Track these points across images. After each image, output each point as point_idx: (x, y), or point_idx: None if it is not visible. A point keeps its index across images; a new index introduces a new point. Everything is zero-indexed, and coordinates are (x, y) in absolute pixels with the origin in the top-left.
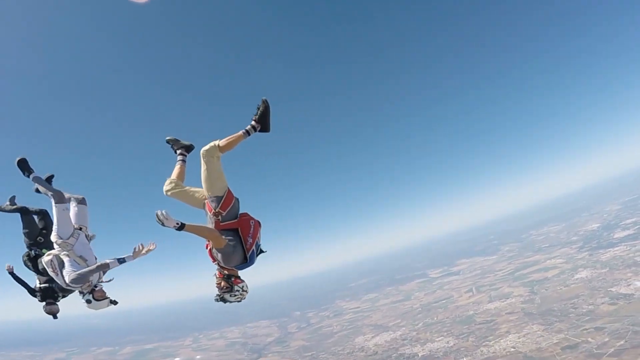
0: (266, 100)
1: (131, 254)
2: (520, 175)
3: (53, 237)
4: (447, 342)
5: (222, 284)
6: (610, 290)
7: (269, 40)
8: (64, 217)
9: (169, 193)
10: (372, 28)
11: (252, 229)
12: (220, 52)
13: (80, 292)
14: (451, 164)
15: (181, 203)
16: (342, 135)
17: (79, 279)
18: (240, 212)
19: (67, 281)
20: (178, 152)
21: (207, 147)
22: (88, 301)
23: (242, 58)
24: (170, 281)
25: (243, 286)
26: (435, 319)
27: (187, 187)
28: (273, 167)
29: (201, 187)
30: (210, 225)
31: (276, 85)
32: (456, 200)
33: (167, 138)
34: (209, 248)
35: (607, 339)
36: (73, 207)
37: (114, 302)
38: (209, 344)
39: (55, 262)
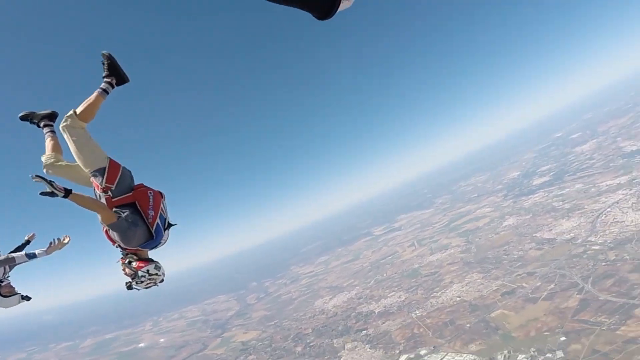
0: (106, 54)
1: (44, 249)
2: (446, 129)
3: None
4: (399, 297)
5: (126, 270)
6: (536, 236)
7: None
8: None
9: (49, 170)
10: None
11: (151, 200)
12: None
13: None
14: (381, 123)
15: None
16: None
17: None
18: (135, 183)
19: None
20: (42, 125)
21: (64, 123)
22: None
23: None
24: (116, 269)
25: (148, 269)
26: (385, 275)
27: (70, 162)
28: (215, 141)
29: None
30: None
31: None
32: (389, 158)
33: (21, 114)
34: (105, 229)
35: (539, 283)
36: None
37: (27, 298)
38: (170, 325)
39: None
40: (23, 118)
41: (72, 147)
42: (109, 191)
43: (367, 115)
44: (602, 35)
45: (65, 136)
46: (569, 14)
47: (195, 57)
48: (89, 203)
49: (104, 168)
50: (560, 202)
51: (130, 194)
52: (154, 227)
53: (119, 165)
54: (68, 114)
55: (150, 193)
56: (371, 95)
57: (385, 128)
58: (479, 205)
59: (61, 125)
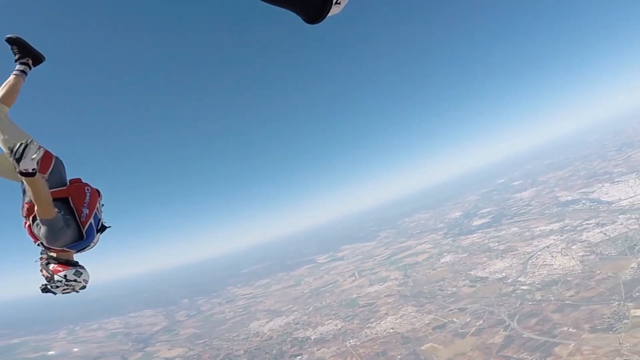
0: (12, 37)
1: None
2: (397, 166)
3: None
4: (336, 325)
5: (43, 273)
6: (470, 274)
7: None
8: None
9: None
10: None
11: (87, 197)
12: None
13: None
14: (332, 157)
15: None
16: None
17: None
18: (70, 177)
19: None
20: (19, 61)
21: None
22: None
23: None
24: (30, 273)
25: (66, 274)
26: (324, 302)
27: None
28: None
29: None
30: (26, 197)
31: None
32: (340, 189)
33: (9, 36)
34: (28, 224)
35: (469, 319)
36: None
37: None
38: (87, 335)
39: None
40: (10, 40)
41: None
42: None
43: (320, 144)
44: (548, 95)
45: None
46: (515, 72)
47: (194, 58)
48: (40, 191)
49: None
50: (496, 243)
51: (65, 188)
52: (86, 227)
53: (52, 154)
54: None
55: (87, 189)
56: (324, 124)
57: (338, 159)
58: (419, 241)
59: None
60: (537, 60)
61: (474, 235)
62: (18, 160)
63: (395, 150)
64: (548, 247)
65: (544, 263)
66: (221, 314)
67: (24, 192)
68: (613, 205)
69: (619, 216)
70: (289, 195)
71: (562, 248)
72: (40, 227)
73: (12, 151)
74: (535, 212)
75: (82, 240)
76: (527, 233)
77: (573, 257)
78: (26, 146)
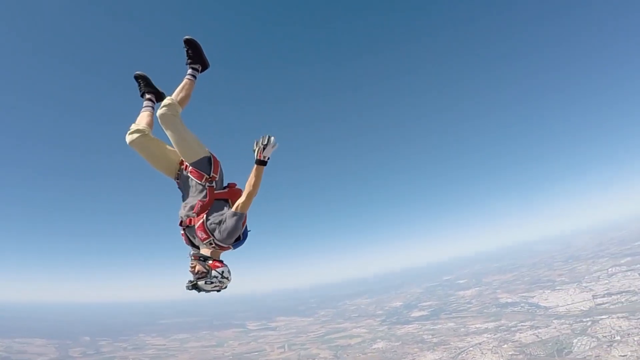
0: (189, 39)
1: None
2: (348, 250)
3: None
4: None
5: (197, 267)
6: None
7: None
8: None
9: (134, 141)
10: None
11: None
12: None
13: None
14: (283, 234)
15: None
16: None
17: None
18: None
19: None
20: (146, 97)
21: (162, 111)
22: None
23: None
24: None
25: (223, 271)
26: None
27: (159, 140)
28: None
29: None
30: (199, 195)
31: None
32: (285, 262)
33: (137, 73)
34: (201, 221)
35: None
36: None
37: None
38: None
39: None
40: (137, 77)
41: (174, 135)
42: (214, 182)
43: (275, 222)
44: (504, 205)
45: (163, 126)
46: (479, 179)
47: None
48: (259, 180)
49: (208, 158)
50: (430, 336)
51: (227, 190)
52: (244, 228)
53: (218, 159)
54: (169, 103)
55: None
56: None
57: (292, 232)
58: (356, 324)
59: (161, 113)
60: (500, 170)
61: (411, 325)
62: (264, 147)
63: (349, 234)
64: (480, 344)
65: (473, 358)
66: (123, 359)
67: (185, 190)
68: (550, 310)
69: (554, 321)
70: (231, 257)
71: (493, 346)
72: (227, 221)
73: (258, 142)
74: (474, 310)
75: (240, 240)
76: (463, 329)
77: (502, 356)
78: (270, 137)
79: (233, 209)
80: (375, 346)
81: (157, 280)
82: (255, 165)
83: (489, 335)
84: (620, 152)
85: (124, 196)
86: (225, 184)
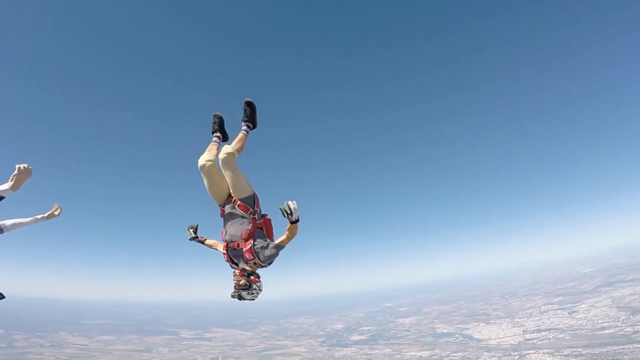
0: (250, 102)
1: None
2: (296, 268)
3: None
4: None
5: (242, 281)
6: None
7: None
8: None
9: (205, 167)
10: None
11: (272, 229)
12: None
13: None
14: None
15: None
16: None
17: None
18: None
19: None
20: (216, 134)
21: (224, 154)
22: None
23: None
24: None
25: (260, 285)
26: None
27: (219, 170)
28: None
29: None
30: (244, 225)
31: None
32: (226, 275)
33: (217, 114)
34: (249, 246)
35: None
36: None
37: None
38: None
39: None
40: (215, 116)
41: (231, 177)
42: (256, 214)
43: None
44: (447, 237)
45: (224, 167)
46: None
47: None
48: (296, 230)
49: (253, 195)
50: None
51: (263, 220)
52: None
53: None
54: (230, 151)
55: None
56: None
57: None
58: (296, 343)
59: (223, 158)
60: (453, 202)
61: (349, 348)
62: (292, 215)
63: (295, 252)
64: None
65: None
66: (38, 355)
67: (229, 217)
68: (482, 342)
69: (484, 353)
70: (163, 260)
71: None
72: (269, 250)
73: (284, 210)
74: (410, 338)
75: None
76: (398, 356)
77: None
78: (289, 204)
79: (277, 241)
80: None
81: (83, 278)
82: (291, 225)
83: None
84: (566, 195)
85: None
86: (262, 214)
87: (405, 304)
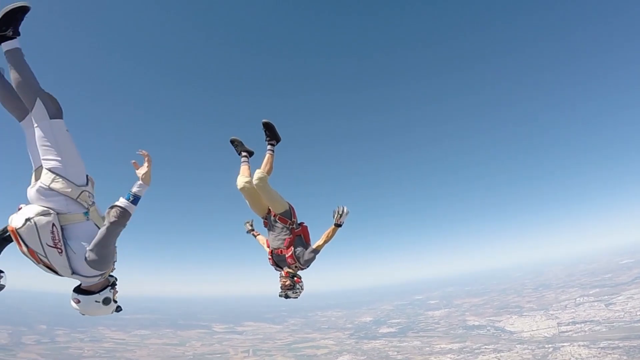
0: (266, 122)
1: (140, 182)
2: (328, 263)
3: (57, 184)
4: None
5: (287, 282)
6: None
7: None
8: (71, 144)
9: (244, 189)
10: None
11: (309, 235)
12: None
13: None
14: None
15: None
16: None
17: (107, 259)
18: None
19: (88, 262)
20: (243, 154)
21: (257, 180)
22: (106, 301)
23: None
24: None
25: (302, 285)
26: None
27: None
28: None
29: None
30: (285, 235)
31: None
32: (257, 270)
33: (233, 138)
34: (291, 252)
35: None
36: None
37: (119, 308)
38: None
39: (58, 231)
40: (233, 141)
41: (266, 196)
42: (294, 224)
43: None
44: (481, 230)
45: (259, 191)
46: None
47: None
48: (333, 235)
49: (289, 209)
50: (395, 352)
51: (300, 229)
52: None
53: (294, 207)
54: (261, 176)
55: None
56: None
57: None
58: (325, 335)
59: (257, 184)
60: (485, 195)
61: (378, 341)
62: (341, 216)
63: (332, 248)
64: None
65: None
66: (78, 349)
67: (272, 228)
68: (514, 335)
69: (517, 345)
70: (198, 256)
71: None
72: (307, 254)
73: (337, 212)
74: (440, 331)
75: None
76: (427, 348)
77: None
78: (345, 208)
79: (314, 246)
80: (340, 358)
81: (124, 275)
82: (333, 226)
83: (452, 356)
84: (596, 188)
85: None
86: (299, 222)
87: (436, 297)
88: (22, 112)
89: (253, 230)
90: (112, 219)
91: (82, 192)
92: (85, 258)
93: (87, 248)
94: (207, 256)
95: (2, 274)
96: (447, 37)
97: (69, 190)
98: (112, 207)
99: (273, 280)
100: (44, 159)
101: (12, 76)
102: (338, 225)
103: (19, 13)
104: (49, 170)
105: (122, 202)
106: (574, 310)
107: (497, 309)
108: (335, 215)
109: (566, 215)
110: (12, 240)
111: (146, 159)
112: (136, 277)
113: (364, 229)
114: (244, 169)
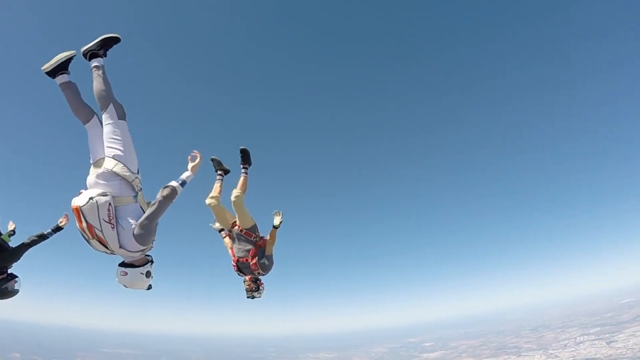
0: (242, 149)
1: (189, 172)
2: (311, 304)
3: (118, 168)
4: None
5: (252, 286)
6: None
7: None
8: (130, 140)
9: (211, 205)
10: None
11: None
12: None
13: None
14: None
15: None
16: None
17: (150, 233)
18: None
19: (135, 236)
20: (218, 172)
21: (235, 197)
22: (148, 274)
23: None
24: None
25: (264, 286)
26: None
27: (223, 207)
28: None
29: (228, 209)
30: (250, 246)
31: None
32: (245, 310)
33: (213, 157)
34: (255, 260)
35: None
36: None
37: (150, 287)
38: None
39: (113, 210)
40: (213, 160)
41: (239, 212)
42: (257, 238)
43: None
44: (473, 274)
45: (234, 207)
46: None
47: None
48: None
49: (255, 225)
50: None
51: (262, 241)
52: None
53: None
54: (238, 194)
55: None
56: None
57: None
58: None
59: (234, 201)
60: (479, 239)
61: None
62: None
63: (314, 289)
64: None
65: None
66: None
67: (237, 239)
68: None
69: None
70: (183, 292)
71: None
72: (269, 262)
73: (275, 214)
74: None
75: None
76: None
77: None
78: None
79: (267, 253)
80: None
81: (105, 307)
82: (274, 229)
83: None
84: (594, 230)
85: None
86: (260, 236)
87: (431, 339)
88: (87, 117)
89: (223, 230)
90: (165, 194)
91: (135, 178)
92: (133, 232)
93: (137, 222)
94: (193, 292)
95: (16, 279)
96: (444, 38)
97: (127, 174)
98: (165, 187)
99: (259, 319)
100: (108, 148)
101: (95, 85)
102: (277, 227)
103: (113, 42)
104: (113, 157)
105: (173, 183)
106: (574, 349)
107: (494, 350)
108: (274, 218)
109: (563, 257)
110: (46, 238)
111: (198, 156)
112: (118, 311)
113: (356, 270)
114: (216, 186)
